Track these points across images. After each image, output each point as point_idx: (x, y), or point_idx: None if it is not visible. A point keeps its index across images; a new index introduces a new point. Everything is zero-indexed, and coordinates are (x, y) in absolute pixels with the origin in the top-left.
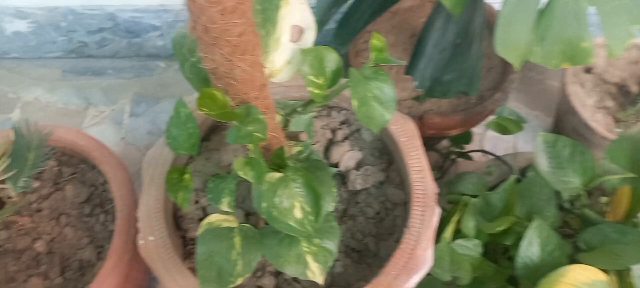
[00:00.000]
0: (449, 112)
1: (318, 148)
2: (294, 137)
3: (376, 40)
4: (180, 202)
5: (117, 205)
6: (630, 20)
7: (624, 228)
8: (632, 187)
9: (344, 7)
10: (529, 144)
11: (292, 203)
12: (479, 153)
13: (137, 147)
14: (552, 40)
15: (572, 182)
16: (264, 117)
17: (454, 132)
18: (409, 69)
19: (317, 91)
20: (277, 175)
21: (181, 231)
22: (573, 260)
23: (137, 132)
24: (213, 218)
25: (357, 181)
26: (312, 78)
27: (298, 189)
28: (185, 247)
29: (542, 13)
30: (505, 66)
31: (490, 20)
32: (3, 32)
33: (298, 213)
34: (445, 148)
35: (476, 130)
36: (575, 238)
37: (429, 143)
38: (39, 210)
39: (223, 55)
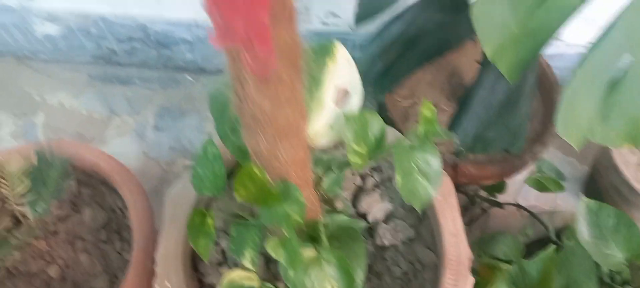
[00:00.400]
0: (485, 163)
1: (347, 196)
2: (329, 202)
3: (426, 110)
4: (201, 251)
5: (134, 236)
6: None
7: None
8: None
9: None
10: (564, 195)
11: (323, 286)
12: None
13: (158, 163)
14: (617, 118)
15: (614, 256)
16: (303, 197)
17: (488, 182)
18: (453, 126)
19: (358, 160)
20: (310, 254)
21: (198, 274)
22: None
23: (160, 147)
24: (234, 275)
25: (386, 236)
26: (354, 146)
27: (331, 271)
28: None
29: (613, 88)
30: (547, 116)
31: (541, 77)
32: (33, 33)
33: None
34: (474, 191)
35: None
36: None
37: (458, 184)
38: (55, 233)
39: (268, 140)
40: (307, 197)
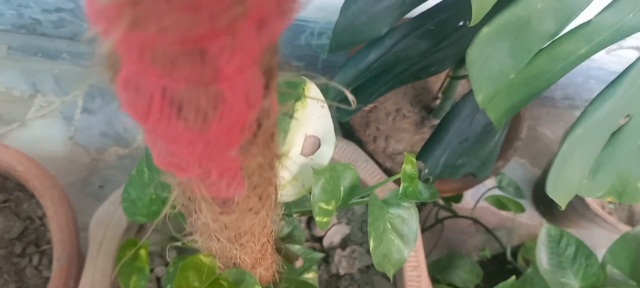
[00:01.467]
0: (446, 179)
1: (300, 218)
2: (289, 259)
3: (409, 165)
4: None
5: (55, 252)
6: None
7: None
8: None
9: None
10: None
11: None
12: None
13: (87, 150)
14: (605, 174)
15: (571, 286)
16: (260, 286)
17: (446, 195)
18: (423, 154)
19: (325, 219)
20: None
21: None
22: None
23: (89, 132)
24: None
25: (342, 264)
26: (322, 205)
27: None
28: None
29: (605, 147)
30: (511, 130)
31: None
32: None
33: None
34: None
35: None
36: None
37: None
38: None
39: (223, 242)
40: (263, 267)
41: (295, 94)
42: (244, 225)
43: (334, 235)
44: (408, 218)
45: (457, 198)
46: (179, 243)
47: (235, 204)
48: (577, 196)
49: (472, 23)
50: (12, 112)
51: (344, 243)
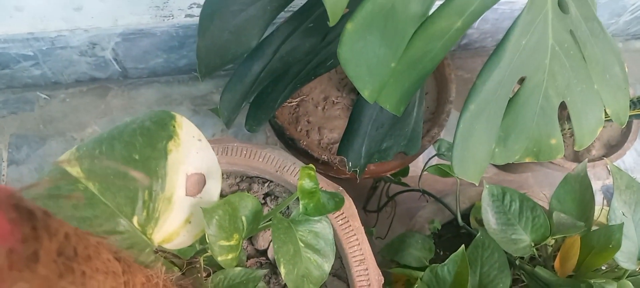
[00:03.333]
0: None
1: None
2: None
3: (306, 180)
4: None
5: None
6: (601, 107)
7: None
8: (581, 237)
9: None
10: None
11: None
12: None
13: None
14: (515, 139)
15: (522, 241)
16: None
17: (391, 172)
18: (342, 150)
19: (229, 257)
20: None
21: None
22: None
23: (20, 184)
24: None
25: None
26: (222, 243)
27: None
28: None
29: (505, 113)
30: (440, 93)
31: None
32: None
33: None
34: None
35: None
36: None
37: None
38: None
39: None
40: None
41: (165, 134)
42: None
43: None
44: (321, 231)
45: (404, 172)
46: None
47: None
48: None
49: (332, 23)
50: None
51: None
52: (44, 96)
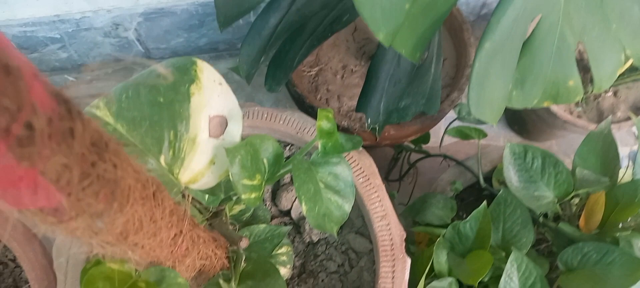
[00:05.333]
0: (403, 123)
1: (263, 195)
2: (234, 242)
3: (323, 121)
4: None
5: None
6: (620, 49)
7: (604, 247)
8: (606, 192)
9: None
10: (489, 129)
11: None
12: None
13: None
14: (532, 81)
15: (545, 197)
16: (182, 278)
17: (412, 138)
18: (360, 106)
19: (253, 195)
20: None
21: None
22: (552, 282)
23: None
24: None
25: (313, 231)
26: (245, 182)
27: None
28: None
29: (521, 55)
30: (459, 59)
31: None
32: None
33: None
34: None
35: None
36: (551, 250)
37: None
38: None
39: (106, 246)
40: (198, 257)
41: (187, 78)
42: (113, 226)
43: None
44: (341, 173)
45: (425, 138)
46: None
47: (70, 209)
48: (543, 108)
49: None
50: None
51: None
52: (72, 78)
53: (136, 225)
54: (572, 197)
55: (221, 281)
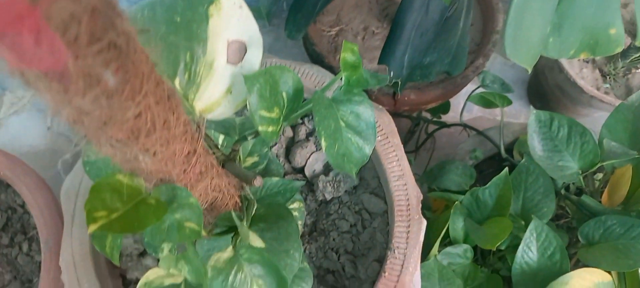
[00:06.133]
0: (425, 87)
1: (277, 150)
2: (247, 180)
3: (348, 54)
4: (110, 253)
5: (41, 235)
6: None
7: (629, 220)
8: (633, 166)
9: None
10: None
11: None
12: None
13: (67, 137)
14: (570, 26)
15: (569, 168)
16: (194, 198)
17: (431, 105)
18: (383, 58)
19: (270, 129)
20: (226, 255)
21: (120, 269)
22: (571, 257)
23: None
24: (151, 275)
25: (327, 189)
26: (262, 113)
27: (256, 271)
28: None
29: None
30: (486, 24)
31: None
32: None
33: None
34: (417, 114)
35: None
36: (570, 224)
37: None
38: None
39: (116, 145)
40: (210, 187)
41: None
42: (127, 113)
43: (314, 163)
44: (362, 112)
45: (445, 107)
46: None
47: (77, 76)
48: (569, 81)
49: None
50: None
51: (326, 169)
52: None
53: (148, 125)
54: (596, 170)
55: (234, 216)
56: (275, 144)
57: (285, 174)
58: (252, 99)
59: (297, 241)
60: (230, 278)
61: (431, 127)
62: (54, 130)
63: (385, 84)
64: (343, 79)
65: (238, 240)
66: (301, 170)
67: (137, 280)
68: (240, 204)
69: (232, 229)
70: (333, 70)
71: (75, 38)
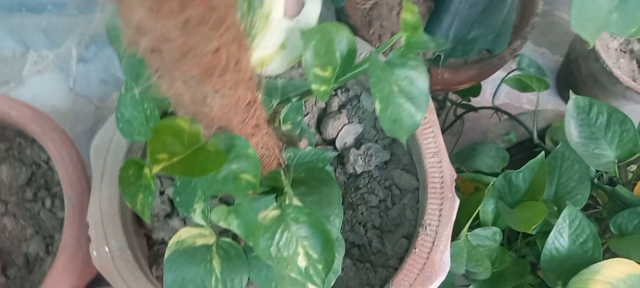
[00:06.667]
0: (461, 66)
1: (309, 120)
2: (292, 142)
3: (409, 14)
4: (141, 210)
5: (65, 192)
6: None
7: None
8: None
9: None
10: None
11: (294, 250)
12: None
13: (89, 99)
14: (636, 3)
15: (606, 156)
16: (253, 150)
17: (463, 86)
18: (429, 27)
19: (322, 88)
20: (273, 214)
21: (145, 229)
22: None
23: (88, 81)
24: (184, 234)
25: (358, 163)
26: (316, 71)
27: (302, 232)
28: (152, 249)
29: None
30: (526, 5)
31: None
32: None
33: (302, 262)
34: (444, 95)
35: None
36: (600, 215)
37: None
38: None
39: (189, 82)
40: (261, 144)
41: None
42: (201, 48)
43: (346, 135)
44: (416, 78)
45: (475, 90)
46: None
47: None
48: (605, 71)
49: None
50: (6, 72)
51: (358, 142)
52: None
53: (223, 63)
54: (631, 162)
55: (282, 175)
56: (307, 114)
57: (316, 145)
58: (307, 55)
59: (338, 207)
60: (276, 236)
61: (459, 110)
62: (76, 91)
63: (441, 51)
64: (402, 40)
65: (283, 201)
66: (331, 142)
67: (162, 241)
68: (282, 165)
69: (275, 190)
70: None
71: None
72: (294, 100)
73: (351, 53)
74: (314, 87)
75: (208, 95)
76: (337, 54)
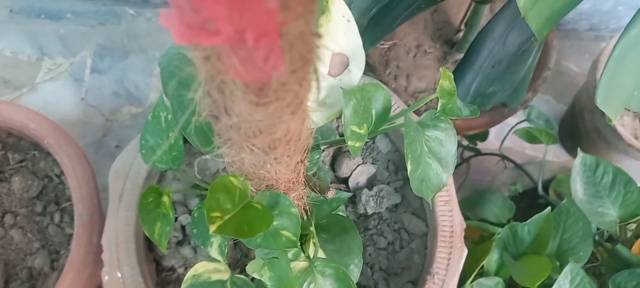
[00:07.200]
0: None
1: (324, 157)
2: (321, 191)
3: (446, 81)
4: (158, 239)
5: (76, 208)
6: None
7: None
8: None
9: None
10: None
11: None
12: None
13: (100, 110)
14: None
15: (609, 215)
16: (296, 208)
17: (473, 132)
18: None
19: (357, 144)
20: (301, 265)
21: (155, 254)
22: None
23: (100, 92)
24: (200, 268)
25: (369, 204)
26: (354, 128)
27: (327, 284)
28: (160, 275)
29: None
30: (540, 60)
31: None
32: None
33: None
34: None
35: None
36: (599, 271)
37: None
38: None
39: (256, 151)
40: (296, 199)
41: (319, 5)
42: (280, 127)
43: (359, 175)
44: (446, 140)
45: (483, 136)
46: (201, 191)
47: (273, 92)
48: (608, 126)
49: None
50: (20, 77)
51: (370, 183)
52: (131, 12)
53: (288, 136)
54: (631, 222)
55: (313, 228)
56: (324, 151)
57: (330, 182)
58: (347, 113)
59: (358, 257)
60: (304, 286)
61: (466, 153)
62: (87, 101)
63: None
64: (439, 105)
65: (308, 250)
66: (344, 180)
67: (171, 268)
68: (308, 212)
69: (301, 237)
70: (382, 83)
71: (294, 64)
72: (322, 148)
73: (386, 111)
74: (350, 143)
75: (270, 161)
76: (373, 112)
